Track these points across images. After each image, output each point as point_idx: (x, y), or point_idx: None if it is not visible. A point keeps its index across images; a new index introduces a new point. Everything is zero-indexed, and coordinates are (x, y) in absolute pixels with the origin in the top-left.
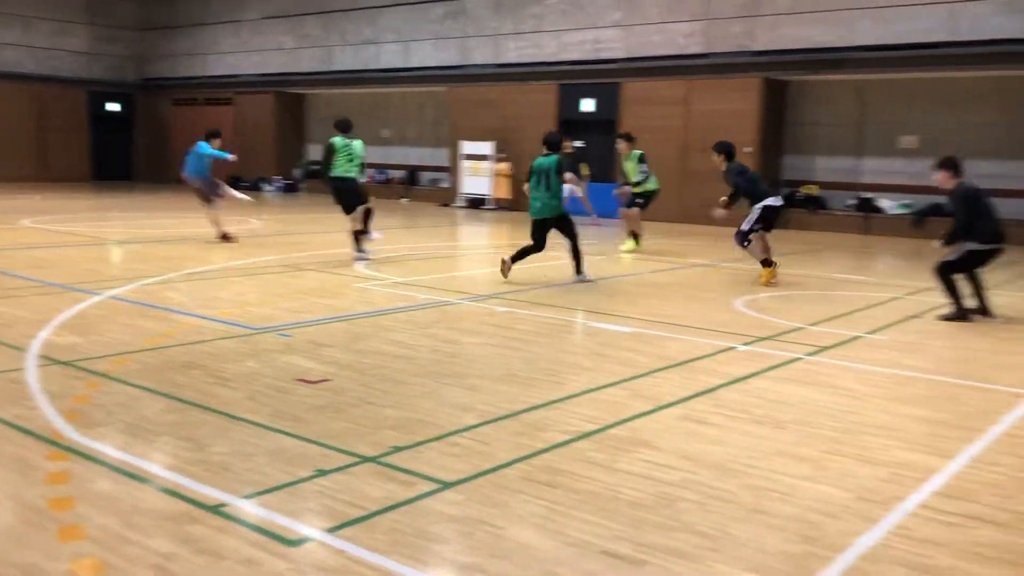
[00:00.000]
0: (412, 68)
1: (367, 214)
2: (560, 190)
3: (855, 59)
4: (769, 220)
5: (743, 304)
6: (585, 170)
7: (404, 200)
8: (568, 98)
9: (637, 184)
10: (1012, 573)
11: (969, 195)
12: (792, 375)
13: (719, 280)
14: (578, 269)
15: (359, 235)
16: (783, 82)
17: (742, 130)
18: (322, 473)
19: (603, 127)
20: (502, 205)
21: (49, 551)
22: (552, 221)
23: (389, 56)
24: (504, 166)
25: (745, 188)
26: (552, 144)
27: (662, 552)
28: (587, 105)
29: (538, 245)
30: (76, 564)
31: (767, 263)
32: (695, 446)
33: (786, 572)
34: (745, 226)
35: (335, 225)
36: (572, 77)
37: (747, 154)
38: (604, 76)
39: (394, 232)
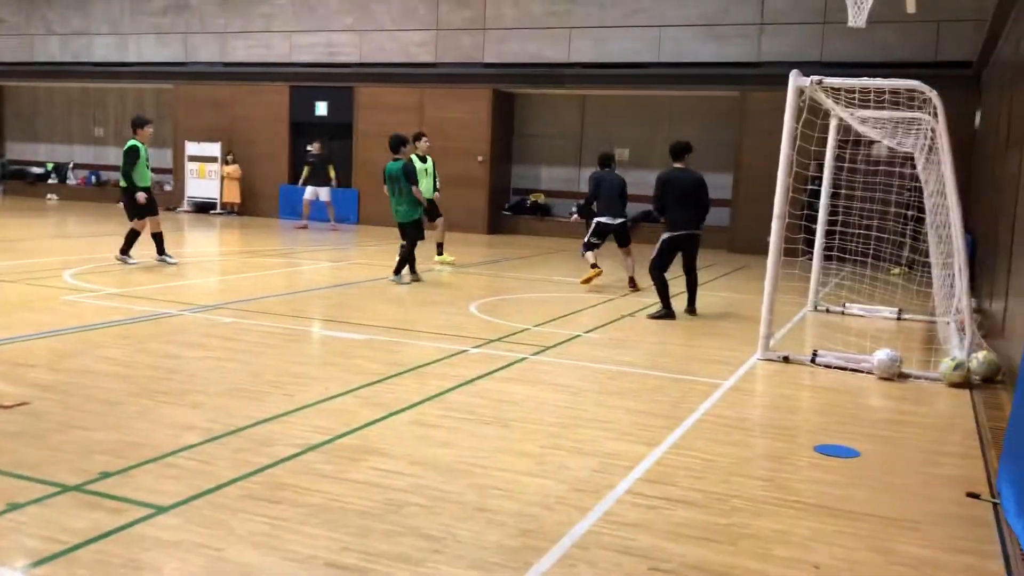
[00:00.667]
0: (130, 63)
1: (131, 234)
2: (409, 193)
3: (574, 75)
4: (603, 235)
5: (476, 308)
6: (332, 172)
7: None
8: (301, 101)
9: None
10: (704, 547)
11: (660, 181)
12: (518, 375)
13: (455, 285)
14: (396, 270)
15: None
16: (511, 94)
17: (474, 139)
18: (15, 507)
19: (337, 131)
20: (232, 209)
21: None
22: (407, 225)
23: (103, 49)
24: (233, 168)
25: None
26: (394, 147)
27: (387, 558)
28: (321, 109)
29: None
30: None
31: (595, 266)
32: (424, 450)
33: (505, 566)
34: (586, 238)
35: (37, 231)
36: (305, 79)
37: (480, 163)
38: (338, 80)
39: (110, 239)
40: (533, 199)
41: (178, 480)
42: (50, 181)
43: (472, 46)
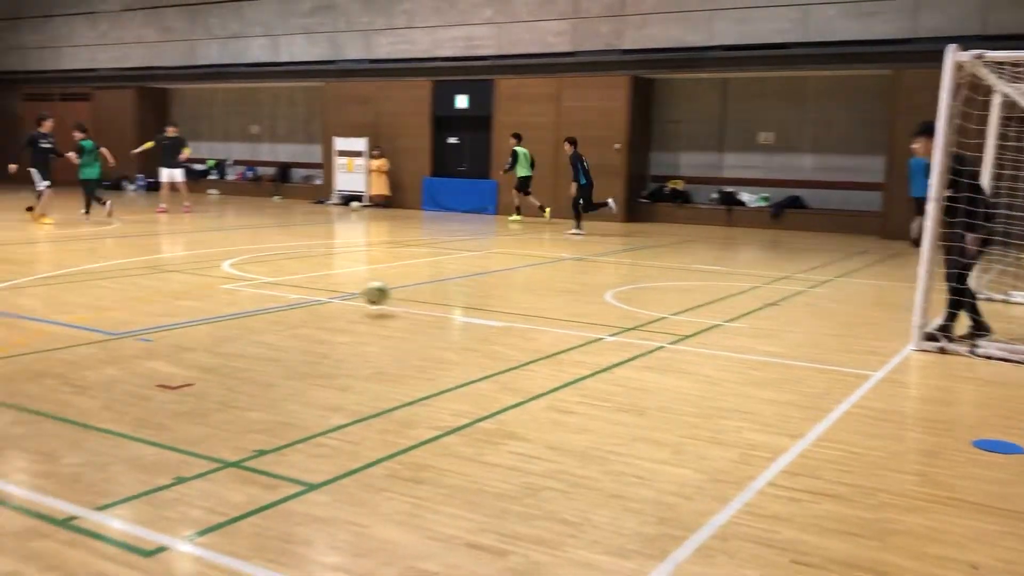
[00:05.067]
0: (282, 63)
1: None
2: None
3: (715, 58)
4: None
5: (612, 296)
6: (186, 152)
7: (276, 198)
8: (442, 94)
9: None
10: (849, 542)
11: None
12: (654, 363)
13: (592, 273)
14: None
15: None
16: (649, 80)
17: (612, 126)
18: (181, 480)
19: (478, 123)
20: (378, 202)
21: None
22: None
23: (257, 50)
24: (380, 162)
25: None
26: None
27: (524, 541)
28: (461, 101)
29: None
30: None
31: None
32: (560, 436)
33: (641, 553)
34: None
35: (199, 224)
36: (446, 74)
37: (617, 151)
38: (477, 73)
39: (265, 231)
40: (672, 186)
41: (326, 459)
42: (211, 177)
43: (611, 33)
